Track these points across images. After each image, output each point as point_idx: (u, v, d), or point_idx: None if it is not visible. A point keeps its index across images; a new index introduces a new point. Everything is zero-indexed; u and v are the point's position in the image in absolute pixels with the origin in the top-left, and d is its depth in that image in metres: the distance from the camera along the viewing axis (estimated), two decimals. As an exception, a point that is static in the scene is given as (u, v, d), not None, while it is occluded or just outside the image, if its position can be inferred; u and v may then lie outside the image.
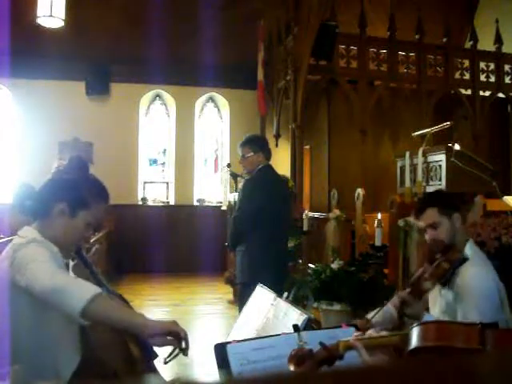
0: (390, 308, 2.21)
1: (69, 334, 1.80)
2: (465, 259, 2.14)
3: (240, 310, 3.06)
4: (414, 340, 1.32)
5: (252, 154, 3.77)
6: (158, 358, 1.86)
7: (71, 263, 2.05)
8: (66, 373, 1.78)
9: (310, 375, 0.60)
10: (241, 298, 3.65)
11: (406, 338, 1.37)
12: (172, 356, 1.67)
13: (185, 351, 1.64)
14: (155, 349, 1.82)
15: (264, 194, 3.68)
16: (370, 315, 2.33)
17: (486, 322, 1.38)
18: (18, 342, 1.73)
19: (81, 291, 1.61)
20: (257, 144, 3.84)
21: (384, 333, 1.52)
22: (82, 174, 1.96)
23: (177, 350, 1.65)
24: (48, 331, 1.75)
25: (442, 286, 2.19)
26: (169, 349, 1.68)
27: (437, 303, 2.26)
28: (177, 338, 1.63)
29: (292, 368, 1.38)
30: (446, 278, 2.11)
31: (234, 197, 6.41)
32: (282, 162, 8.10)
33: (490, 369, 0.52)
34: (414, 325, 1.36)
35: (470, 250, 2.26)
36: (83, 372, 1.80)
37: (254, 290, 2.13)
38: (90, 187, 1.92)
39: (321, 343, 1.42)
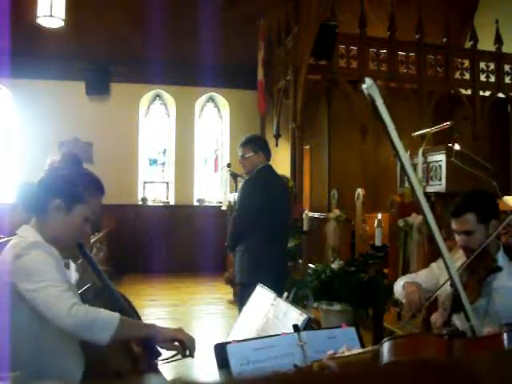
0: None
1: (71, 336, 1.79)
2: (499, 268, 2.09)
3: (240, 310, 3.06)
4: (386, 355, 1.32)
5: (252, 154, 3.77)
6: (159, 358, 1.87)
7: (73, 265, 2.03)
8: (73, 377, 1.78)
9: (309, 375, 0.60)
10: (241, 298, 3.64)
11: (377, 353, 1.35)
12: (171, 360, 1.80)
13: (190, 355, 1.79)
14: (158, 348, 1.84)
15: (264, 194, 3.68)
16: (410, 278, 2.34)
17: None
18: (19, 348, 1.72)
19: (103, 326, 1.66)
20: (257, 144, 3.84)
21: (356, 350, 1.52)
22: (76, 168, 1.94)
23: (179, 355, 1.79)
24: (49, 336, 1.74)
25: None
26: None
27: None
28: (182, 345, 1.77)
29: None
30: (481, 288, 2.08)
31: (233, 197, 6.41)
32: (282, 161, 8.11)
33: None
34: (385, 339, 1.35)
35: (502, 257, 2.21)
36: (86, 372, 1.81)
37: (253, 290, 2.13)
38: (84, 181, 1.89)
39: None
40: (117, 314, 1.70)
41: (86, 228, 1.92)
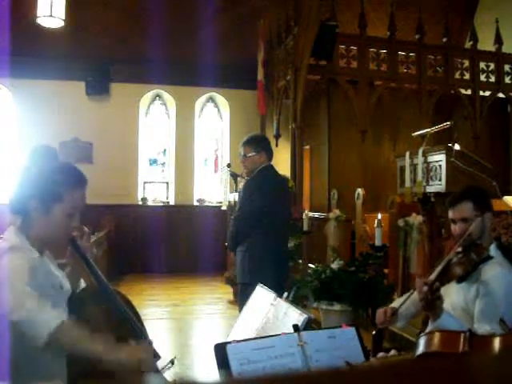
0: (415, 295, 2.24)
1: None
2: (490, 257, 2.18)
3: (240, 310, 3.06)
4: (421, 347, 1.58)
5: (254, 153, 3.75)
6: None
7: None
8: (62, 376, 1.75)
9: (309, 375, 0.61)
10: (241, 298, 3.64)
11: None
12: (165, 368, 1.80)
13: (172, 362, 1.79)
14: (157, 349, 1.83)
15: (265, 195, 3.67)
16: (395, 303, 2.37)
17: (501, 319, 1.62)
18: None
19: (44, 323, 1.53)
20: (259, 144, 3.82)
21: (393, 352, 1.80)
22: (48, 163, 1.83)
23: (169, 363, 1.78)
24: (31, 345, 1.64)
25: (459, 281, 2.20)
26: (167, 358, 1.83)
27: (452, 297, 2.26)
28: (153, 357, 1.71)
29: None
30: (470, 272, 2.15)
31: (233, 197, 6.41)
32: (282, 161, 8.10)
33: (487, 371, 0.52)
34: (422, 334, 1.61)
35: (494, 250, 2.29)
36: (85, 372, 1.79)
37: (253, 290, 2.13)
38: (58, 177, 1.76)
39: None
40: (62, 317, 1.57)
41: (74, 222, 1.80)
